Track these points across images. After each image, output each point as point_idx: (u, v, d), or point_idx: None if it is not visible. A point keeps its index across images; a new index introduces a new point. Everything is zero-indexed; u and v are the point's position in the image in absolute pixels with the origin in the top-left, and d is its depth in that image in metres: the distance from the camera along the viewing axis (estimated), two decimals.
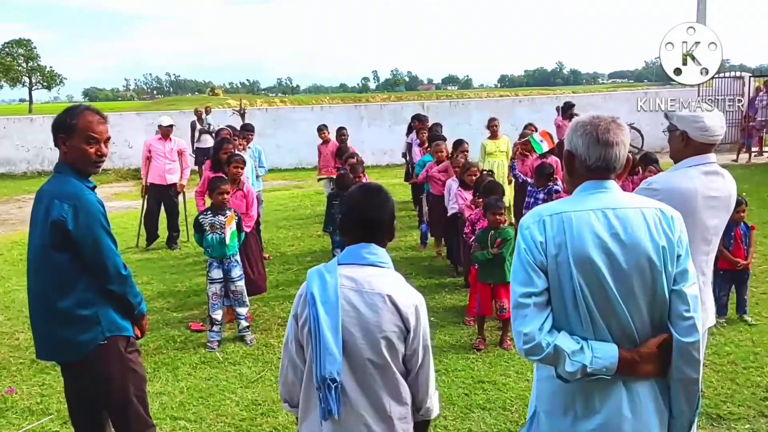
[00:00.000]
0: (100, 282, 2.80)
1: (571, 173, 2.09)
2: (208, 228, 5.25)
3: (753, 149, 14.89)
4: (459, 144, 7.39)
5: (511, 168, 7.68)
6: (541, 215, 1.98)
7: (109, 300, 2.84)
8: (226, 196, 5.32)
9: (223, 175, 5.77)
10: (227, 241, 5.18)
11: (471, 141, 7.83)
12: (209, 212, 5.34)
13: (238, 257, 5.40)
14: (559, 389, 1.99)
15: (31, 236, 2.87)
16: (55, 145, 2.82)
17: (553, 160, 7.30)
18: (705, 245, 2.73)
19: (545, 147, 7.40)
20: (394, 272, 2.15)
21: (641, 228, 1.92)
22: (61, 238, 2.70)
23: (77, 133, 2.75)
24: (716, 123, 2.74)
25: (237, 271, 5.36)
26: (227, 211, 5.33)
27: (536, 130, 8.05)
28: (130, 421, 2.96)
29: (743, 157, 14.54)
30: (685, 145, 2.78)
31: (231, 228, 5.24)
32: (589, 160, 2.01)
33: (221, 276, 5.31)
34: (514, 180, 7.82)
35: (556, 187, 6.38)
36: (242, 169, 5.96)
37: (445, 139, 7.97)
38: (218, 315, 5.28)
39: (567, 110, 10.82)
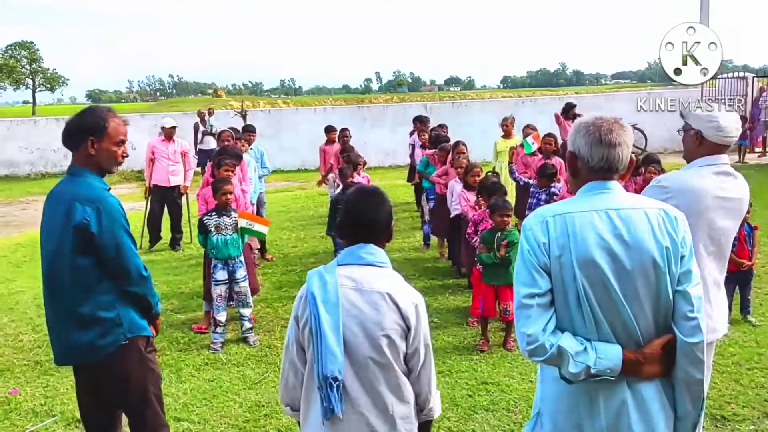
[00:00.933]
0: (122, 284, 2.79)
1: (574, 174, 2.09)
2: (213, 229, 5.26)
3: (756, 150, 14.83)
4: (456, 146, 7.37)
5: (510, 172, 7.69)
6: (544, 216, 1.98)
7: (129, 301, 2.84)
8: (229, 196, 5.33)
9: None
10: (258, 229, 5.54)
11: (474, 142, 7.84)
12: (214, 213, 5.35)
13: (242, 258, 5.41)
14: (563, 390, 1.99)
15: (45, 241, 2.80)
16: (74, 147, 2.77)
17: (556, 161, 7.30)
18: (714, 246, 2.69)
19: (534, 148, 7.83)
20: (393, 272, 2.17)
21: (645, 228, 1.92)
22: (84, 241, 2.67)
23: (108, 136, 2.75)
24: (731, 124, 2.72)
25: (241, 272, 5.36)
26: (232, 212, 5.34)
27: (534, 130, 8.28)
28: (147, 421, 2.97)
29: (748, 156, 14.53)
30: (699, 144, 2.75)
31: (258, 226, 5.59)
32: (592, 161, 2.01)
33: (226, 277, 5.31)
34: (515, 182, 7.84)
35: (553, 190, 6.38)
36: (233, 172, 5.96)
37: (449, 141, 7.97)
38: (222, 317, 5.28)
39: (568, 111, 10.80)
